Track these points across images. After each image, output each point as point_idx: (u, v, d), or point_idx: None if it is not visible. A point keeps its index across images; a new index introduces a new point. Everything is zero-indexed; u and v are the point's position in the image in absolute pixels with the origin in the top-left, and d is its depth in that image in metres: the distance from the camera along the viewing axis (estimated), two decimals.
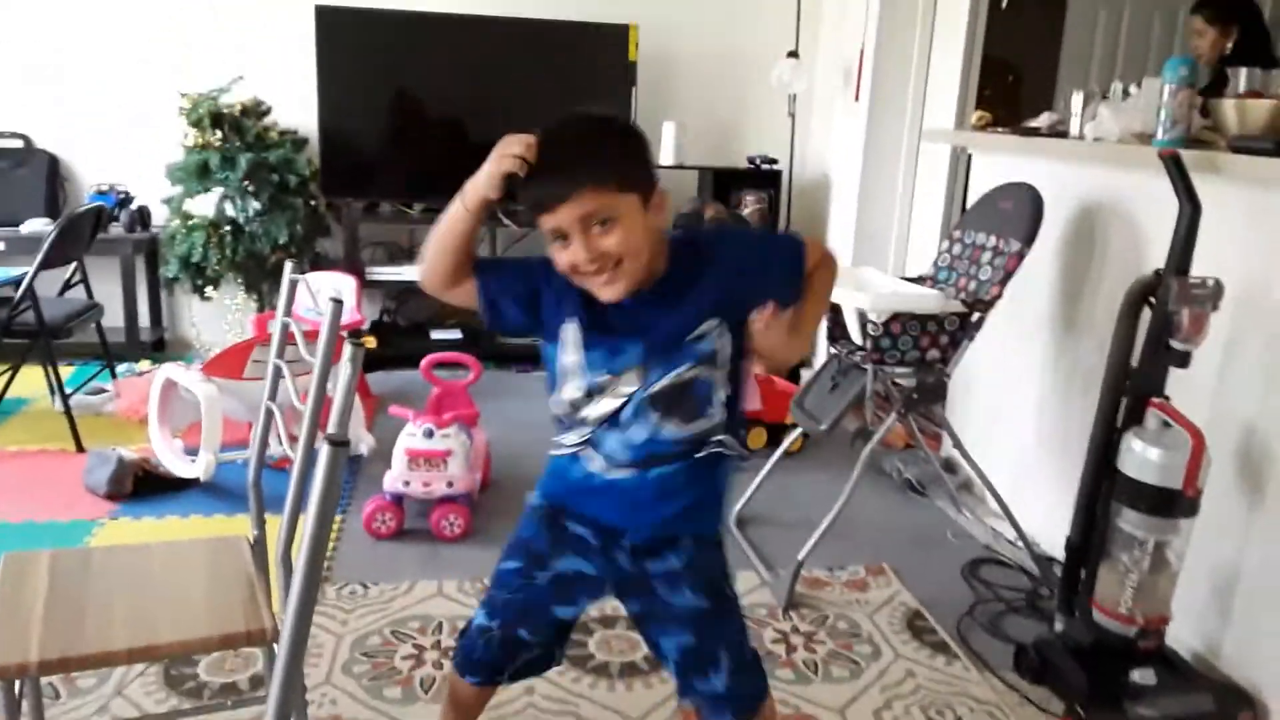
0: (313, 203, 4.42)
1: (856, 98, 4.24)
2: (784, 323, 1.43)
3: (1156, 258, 2.09)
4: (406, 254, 4.69)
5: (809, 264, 1.43)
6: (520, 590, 1.49)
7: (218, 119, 4.13)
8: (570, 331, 1.37)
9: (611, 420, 1.38)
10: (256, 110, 4.28)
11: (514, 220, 1.36)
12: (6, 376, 3.63)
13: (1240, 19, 3.43)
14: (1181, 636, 2.21)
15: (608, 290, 1.31)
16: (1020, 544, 2.66)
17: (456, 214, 1.33)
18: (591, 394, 1.37)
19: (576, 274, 1.31)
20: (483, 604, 1.55)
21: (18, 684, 1.41)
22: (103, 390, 3.87)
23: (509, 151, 1.26)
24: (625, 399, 1.36)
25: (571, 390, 1.38)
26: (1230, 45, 3.42)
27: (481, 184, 1.29)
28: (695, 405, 1.37)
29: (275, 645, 1.41)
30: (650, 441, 1.37)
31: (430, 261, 1.38)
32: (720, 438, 1.41)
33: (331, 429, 1.13)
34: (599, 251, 1.28)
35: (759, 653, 1.52)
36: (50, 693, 1.97)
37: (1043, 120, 2.84)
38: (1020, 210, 2.56)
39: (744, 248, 1.45)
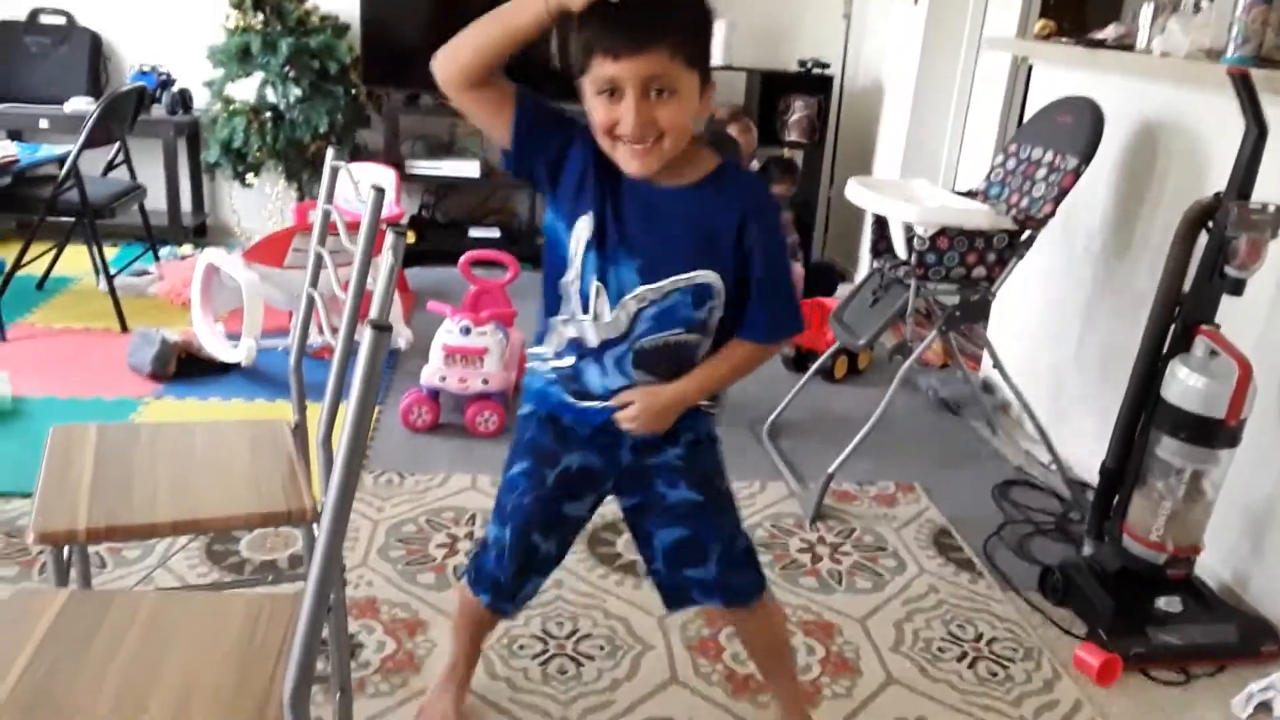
0: (353, 91, 4.37)
1: (916, 0, 4.08)
2: (658, 393, 1.38)
3: (1217, 180, 2.02)
4: (446, 149, 4.64)
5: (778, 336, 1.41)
6: (529, 491, 1.46)
7: (259, 0, 4.07)
8: (584, 225, 1.30)
9: (594, 354, 1.37)
10: None
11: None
12: (52, 255, 3.68)
13: None
14: (1211, 566, 2.21)
15: (638, 163, 1.23)
16: (1054, 467, 2.65)
17: (531, 9, 1.16)
18: (581, 300, 1.34)
19: (610, 136, 1.22)
20: (493, 516, 1.52)
21: (66, 550, 1.46)
22: (146, 272, 3.91)
23: None
24: (607, 338, 1.35)
25: (571, 278, 1.33)
26: None
27: None
28: (680, 364, 1.38)
29: (315, 526, 1.45)
30: (626, 388, 1.38)
31: (464, 48, 1.22)
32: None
33: (373, 316, 1.13)
34: (650, 118, 1.19)
35: (753, 548, 1.55)
36: (98, 561, 2.04)
37: (1109, 32, 2.73)
38: (1080, 126, 2.47)
39: (768, 233, 1.33)
